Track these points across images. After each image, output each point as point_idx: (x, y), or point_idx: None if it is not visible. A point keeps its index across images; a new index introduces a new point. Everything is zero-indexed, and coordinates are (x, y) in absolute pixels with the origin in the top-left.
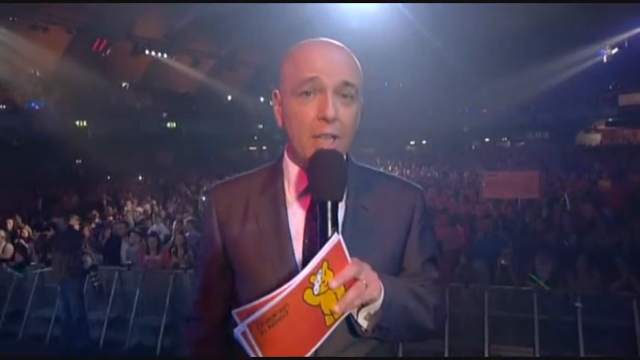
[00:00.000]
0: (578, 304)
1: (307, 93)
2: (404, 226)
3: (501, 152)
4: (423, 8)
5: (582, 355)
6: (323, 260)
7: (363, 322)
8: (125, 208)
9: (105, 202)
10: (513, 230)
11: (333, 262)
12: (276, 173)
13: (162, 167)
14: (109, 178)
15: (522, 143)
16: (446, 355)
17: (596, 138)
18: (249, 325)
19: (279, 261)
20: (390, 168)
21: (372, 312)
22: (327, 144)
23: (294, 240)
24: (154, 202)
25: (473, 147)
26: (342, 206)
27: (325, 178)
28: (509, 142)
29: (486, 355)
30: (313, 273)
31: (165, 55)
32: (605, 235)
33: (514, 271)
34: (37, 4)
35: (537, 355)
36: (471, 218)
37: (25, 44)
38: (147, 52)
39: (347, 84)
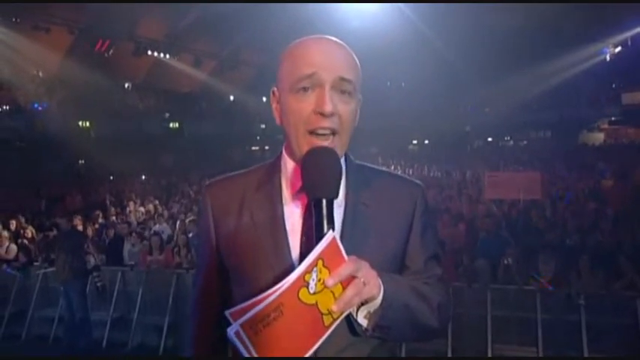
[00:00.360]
0: (581, 302)
1: (305, 89)
2: (405, 222)
3: (504, 151)
4: (424, 8)
5: (586, 354)
6: (318, 258)
7: (363, 321)
8: (128, 209)
9: (108, 202)
10: (516, 230)
11: (329, 260)
12: (274, 170)
13: (165, 167)
14: (111, 178)
15: (525, 142)
16: (449, 355)
17: (599, 137)
18: (242, 325)
19: (276, 257)
20: (392, 167)
21: (371, 310)
22: (323, 141)
23: (290, 236)
24: (157, 202)
25: (475, 146)
26: (341, 203)
27: (319, 176)
28: (511, 141)
29: (489, 355)
30: (308, 271)
31: (167, 56)
32: (609, 234)
33: (517, 270)
34: (39, 4)
35: (540, 355)
36: (473, 218)
37: (27, 45)
38: (149, 52)
39: (345, 80)
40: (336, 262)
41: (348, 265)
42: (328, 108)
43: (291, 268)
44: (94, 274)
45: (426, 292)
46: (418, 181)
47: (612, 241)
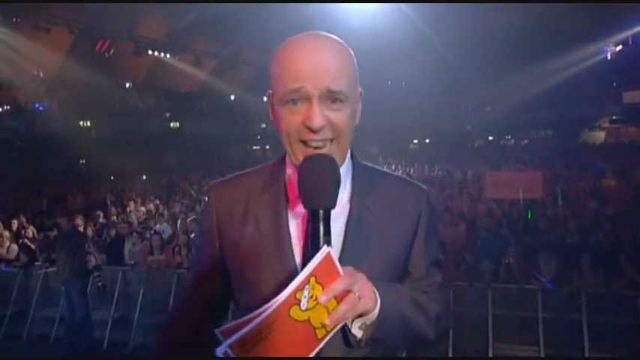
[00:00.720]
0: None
1: (294, 101)
2: (410, 228)
3: (505, 150)
4: (424, 7)
5: (587, 353)
6: (310, 275)
7: (357, 332)
8: (128, 208)
9: (109, 201)
10: (517, 229)
11: (322, 276)
12: (278, 172)
13: (166, 167)
14: (112, 177)
15: (526, 141)
16: (450, 354)
17: (600, 136)
18: (230, 346)
19: (279, 262)
20: (393, 167)
21: (367, 323)
22: (317, 150)
23: (294, 241)
24: (158, 202)
25: (476, 145)
26: (346, 206)
27: (316, 185)
28: (512, 141)
29: (490, 354)
30: (299, 289)
31: (167, 55)
32: (609, 233)
33: (518, 269)
34: (39, 4)
35: (542, 354)
36: (474, 217)
37: (28, 45)
38: (149, 52)
39: (334, 91)
40: (330, 278)
41: (343, 280)
42: (316, 123)
43: (294, 273)
44: (95, 273)
45: (424, 302)
46: (423, 186)
47: (613, 240)
